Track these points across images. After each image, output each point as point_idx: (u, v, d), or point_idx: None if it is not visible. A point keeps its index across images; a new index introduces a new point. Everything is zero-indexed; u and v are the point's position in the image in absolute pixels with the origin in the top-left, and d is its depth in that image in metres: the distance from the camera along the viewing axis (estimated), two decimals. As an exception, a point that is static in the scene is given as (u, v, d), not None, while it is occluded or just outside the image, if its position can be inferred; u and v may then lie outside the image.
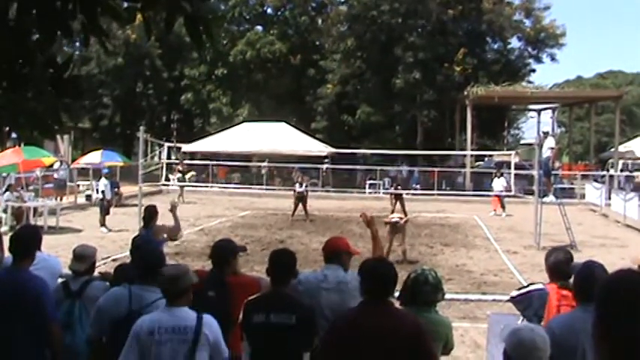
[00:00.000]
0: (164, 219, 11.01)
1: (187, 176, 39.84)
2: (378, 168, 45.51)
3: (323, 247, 6.61)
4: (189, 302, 5.21)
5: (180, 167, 40.49)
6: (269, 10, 62.25)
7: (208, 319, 5.20)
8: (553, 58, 56.62)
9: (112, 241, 20.85)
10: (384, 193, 41.01)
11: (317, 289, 6.10)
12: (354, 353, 4.69)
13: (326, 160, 46.30)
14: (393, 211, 22.48)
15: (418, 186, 42.93)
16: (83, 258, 6.76)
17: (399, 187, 28.64)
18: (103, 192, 25.70)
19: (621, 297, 2.54)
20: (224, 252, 6.50)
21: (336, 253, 6.44)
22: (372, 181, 44.75)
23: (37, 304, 5.83)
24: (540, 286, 6.21)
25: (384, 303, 4.81)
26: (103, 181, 26.30)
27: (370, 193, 43.27)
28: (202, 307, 5.26)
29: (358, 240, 22.62)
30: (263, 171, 46.60)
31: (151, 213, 11.08)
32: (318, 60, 57.38)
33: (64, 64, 4.07)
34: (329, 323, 5.21)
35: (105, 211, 25.19)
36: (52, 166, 32.65)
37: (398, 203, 22.97)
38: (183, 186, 37.68)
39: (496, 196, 34.04)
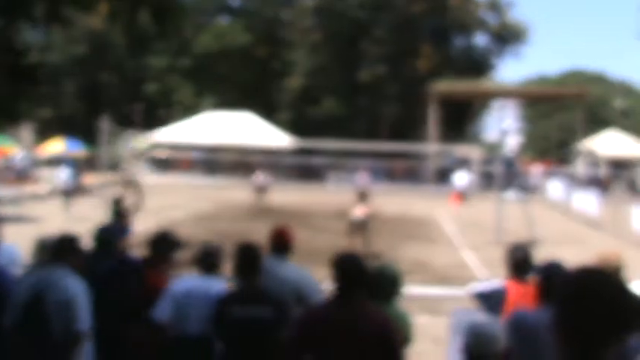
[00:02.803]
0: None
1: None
2: (342, 161, 45.55)
3: (271, 236, 6.63)
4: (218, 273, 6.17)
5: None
6: (235, 2, 62.06)
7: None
8: (517, 55, 57.30)
9: (74, 232, 20.64)
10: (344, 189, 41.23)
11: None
12: (324, 347, 4.68)
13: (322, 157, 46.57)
14: (357, 204, 22.54)
15: (381, 180, 43.00)
16: (45, 248, 6.71)
17: (366, 195, 28.81)
18: (63, 180, 25.54)
19: (584, 295, 2.54)
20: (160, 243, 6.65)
21: (283, 243, 6.56)
22: (335, 174, 44.79)
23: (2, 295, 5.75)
24: (497, 283, 6.26)
25: (355, 297, 4.81)
26: (64, 170, 26.12)
27: (333, 186, 43.32)
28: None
29: (320, 232, 22.75)
30: (226, 162, 46.47)
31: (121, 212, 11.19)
32: (283, 52, 57.31)
33: (22, 51, 4.05)
34: (298, 318, 5.17)
35: (67, 199, 25.00)
36: (12, 154, 32.41)
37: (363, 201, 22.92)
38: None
39: (457, 190, 34.28)
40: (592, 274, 2.67)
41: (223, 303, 5.58)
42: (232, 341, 5.54)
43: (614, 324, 2.49)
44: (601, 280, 2.61)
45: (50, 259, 5.87)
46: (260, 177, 30.28)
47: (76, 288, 5.59)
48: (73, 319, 5.46)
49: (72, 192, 26.13)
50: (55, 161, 34.71)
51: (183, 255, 7.01)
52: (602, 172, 48.78)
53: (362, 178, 32.54)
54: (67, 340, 5.45)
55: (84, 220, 22.72)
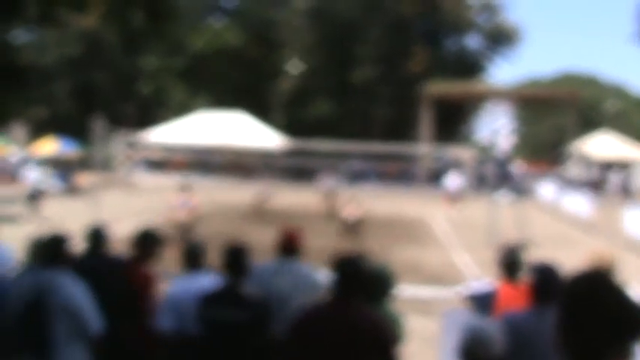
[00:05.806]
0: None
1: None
2: (335, 162, 45.50)
3: (280, 238, 6.49)
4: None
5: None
6: (228, 3, 62.06)
7: None
8: (510, 57, 57.44)
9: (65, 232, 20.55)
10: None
11: (270, 279, 6.10)
12: (319, 349, 4.68)
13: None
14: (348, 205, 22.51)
15: (373, 181, 43.01)
16: (40, 248, 6.64)
17: (333, 196, 28.68)
18: (37, 181, 25.48)
19: (589, 299, 2.56)
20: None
21: (293, 245, 6.43)
22: (327, 176, 44.73)
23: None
24: (489, 284, 6.28)
25: (353, 299, 4.80)
26: (37, 170, 26.05)
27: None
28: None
29: (315, 236, 22.70)
30: (220, 162, 46.45)
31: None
32: (276, 54, 57.30)
33: (14, 53, 4.07)
34: (294, 317, 5.15)
35: (34, 202, 24.89)
36: (7, 154, 32.42)
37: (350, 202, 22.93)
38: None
39: (450, 193, 34.29)
40: (596, 278, 2.70)
41: (203, 304, 5.53)
42: (209, 343, 5.50)
43: (617, 329, 2.52)
44: (606, 284, 2.64)
45: (49, 260, 5.78)
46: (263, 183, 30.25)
47: (80, 292, 5.54)
48: (83, 323, 5.42)
49: (39, 194, 25.85)
50: (46, 162, 34.59)
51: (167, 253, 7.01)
52: (594, 174, 48.90)
53: (327, 180, 32.50)
54: (79, 344, 5.42)
55: (72, 221, 22.58)
